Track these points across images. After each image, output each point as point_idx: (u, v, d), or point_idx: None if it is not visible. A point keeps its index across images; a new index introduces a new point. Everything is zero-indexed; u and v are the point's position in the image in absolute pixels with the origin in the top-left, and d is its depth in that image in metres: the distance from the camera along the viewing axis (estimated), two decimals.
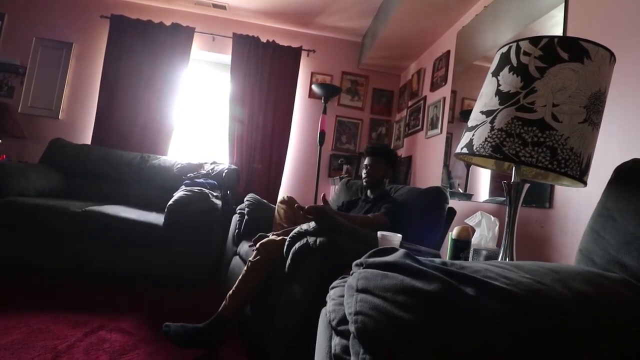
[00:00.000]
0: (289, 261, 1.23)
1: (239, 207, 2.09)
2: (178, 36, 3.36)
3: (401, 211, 1.73)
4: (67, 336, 1.41)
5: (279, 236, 1.51)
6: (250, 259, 1.46)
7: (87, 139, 3.26)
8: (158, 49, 3.32)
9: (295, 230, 1.29)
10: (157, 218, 2.19)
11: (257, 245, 1.49)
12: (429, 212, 1.73)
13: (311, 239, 1.20)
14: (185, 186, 2.43)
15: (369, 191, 1.95)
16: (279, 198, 1.99)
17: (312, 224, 1.24)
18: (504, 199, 0.99)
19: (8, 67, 3.21)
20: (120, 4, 3.42)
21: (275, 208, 1.99)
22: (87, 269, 2.15)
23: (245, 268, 1.45)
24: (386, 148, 2.00)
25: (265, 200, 2.15)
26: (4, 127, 2.94)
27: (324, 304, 0.75)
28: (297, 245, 1.23)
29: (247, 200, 2.08)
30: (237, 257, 1.84)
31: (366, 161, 1.91)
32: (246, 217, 1.97)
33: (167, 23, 3.37)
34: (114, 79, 3.27)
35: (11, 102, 3.17)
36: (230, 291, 1.44)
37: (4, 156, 2.96)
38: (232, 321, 1.43)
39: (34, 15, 3.31)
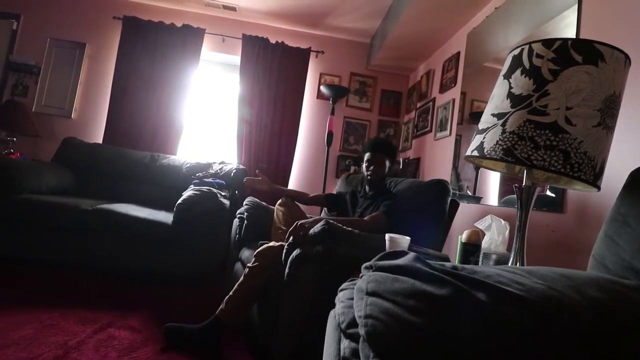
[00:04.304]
0: (287, 270, 1.23)
1: (238, 212, 2.04)
2: (188, 37, 3.39)
3: (401, 206, 1.70)
4: (77, 332, 1.43)
5: (277, 242, 1.51)
6: (249, 264, 1.46)
7: (99, 138, 3.31)
8: (169, 50, 3.36)
9: (292, 239, 1.29)
10: (166, 217, 2.21)
11: (255, 252, 1.48)
12: (431, 206, 1.70)
13: (308, 248, 1.20)
14: (194, 185, 2.45)
15: (367, 187, 1.91)
16: (279, 200, 1.96)
17: (314, 229, 1.23)
18: (515, 202, 0.98)
19: (23, 67, 3.27)
20: (132, 5, 3.47)
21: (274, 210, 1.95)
22: (96, 266, 2.18)
23: (243, 274, 1.46)
24: (390, 144, 1.97)
25: (264, 203, 2.09)
26: (19, 125, 3.01)
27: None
28: (294, 254, 1.23)
29: (246, 204, 2.02)
30: (239, 262, 1.81)
31: (371, 157, 1.86)
32: (245, 222, 1.93)
33: (178, 24, 3.41)
34: (125, 79, 3.32)
35: (26, 101, 3.24)
36: (228, 295, 1.44)
37: (18, 154, 3.02)
38: (231, 325, 1.43)
39: (49, 17, 3.37)
